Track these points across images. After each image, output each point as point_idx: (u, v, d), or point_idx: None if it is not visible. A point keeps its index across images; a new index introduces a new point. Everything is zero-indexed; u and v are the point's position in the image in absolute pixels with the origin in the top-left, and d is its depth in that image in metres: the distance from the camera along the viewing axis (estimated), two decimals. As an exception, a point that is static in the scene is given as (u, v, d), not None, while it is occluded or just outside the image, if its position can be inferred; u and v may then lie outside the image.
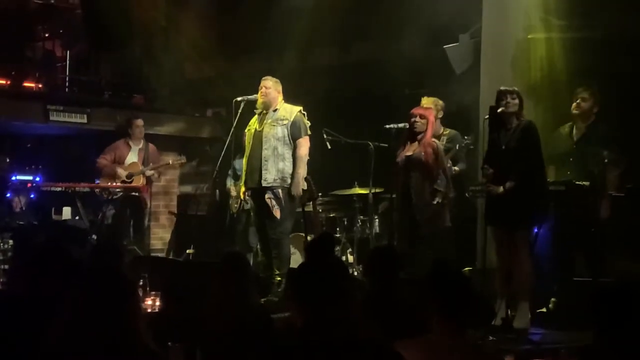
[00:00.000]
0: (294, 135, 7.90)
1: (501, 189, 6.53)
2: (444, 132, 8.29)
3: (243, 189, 8.17)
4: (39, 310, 3.35)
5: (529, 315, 6.55)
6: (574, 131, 7.59)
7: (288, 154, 7.89)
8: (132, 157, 10.22)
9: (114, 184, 9.85)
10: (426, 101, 8.20)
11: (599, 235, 7.09)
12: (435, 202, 7.28)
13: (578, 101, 7.50)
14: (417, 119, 7.41)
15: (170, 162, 10.49)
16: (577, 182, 7.16)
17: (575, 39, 8.10)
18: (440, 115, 8.23)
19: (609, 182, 7.18)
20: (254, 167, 7.94)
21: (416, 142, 7.44)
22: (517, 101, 6.64)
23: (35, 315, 3.35)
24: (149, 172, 10.20)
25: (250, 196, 8.16)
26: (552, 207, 6.95)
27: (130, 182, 10.06)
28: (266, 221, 7.97)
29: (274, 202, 7.83)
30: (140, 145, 10.32)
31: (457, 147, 8.21)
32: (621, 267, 6.73)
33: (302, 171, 7.84)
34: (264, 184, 7.83)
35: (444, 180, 7.35)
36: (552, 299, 6.98)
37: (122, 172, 10.02)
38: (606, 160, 7.12)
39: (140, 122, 10.35)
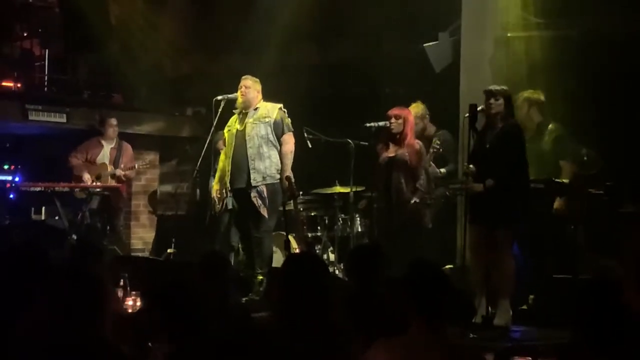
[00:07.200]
0: (278, 133, 7.92)
1: (481, 186, 6.56)
2: (437, 132, 8.32)
3: (216, 187, 8.14)
4: (11, 311, 3.33)
5: (510, 313, 6.57)
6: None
7: (271, 152, 7.89)
8: (103, 157, 10.13)
9: (94, 183, 9.79)
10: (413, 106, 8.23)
11: (578, 232, 7.14)
12: (412, 202, 7.36)
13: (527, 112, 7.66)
14: (393, 120, 7.53)
15: (136, 166, 10.32)
16: (557, 180, 7.21)
17: (553, 37, 8.16)
18: (419, 115, 8.19)
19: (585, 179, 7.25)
20: (240, 167, 7.91)
21: (398, 143, 7.49)
22: (500, 102, 6.65)
23: (7, 315, 3.33)
24: (119, 172, 10.10)
25: (234, 196, 8.14)
26: (531, 205, 6.98)
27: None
28: (250, 220, 7.96)
29: (259, 201, 7.83)
30: (113, 145, 10.23)
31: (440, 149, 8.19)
32: (599, 264, 6.76)
33: (290, 167, 7.86)
34: (253, 184, 7.83)
35: (425, 180, 7.44)
36: (531, 296, 7.02)
37: (87, 178, 9.87)
38: (585, 158, 7.16)
39: (113, 121, 10.25)
